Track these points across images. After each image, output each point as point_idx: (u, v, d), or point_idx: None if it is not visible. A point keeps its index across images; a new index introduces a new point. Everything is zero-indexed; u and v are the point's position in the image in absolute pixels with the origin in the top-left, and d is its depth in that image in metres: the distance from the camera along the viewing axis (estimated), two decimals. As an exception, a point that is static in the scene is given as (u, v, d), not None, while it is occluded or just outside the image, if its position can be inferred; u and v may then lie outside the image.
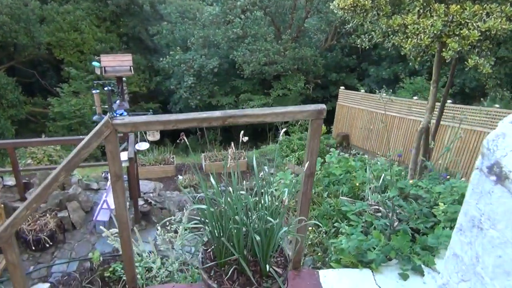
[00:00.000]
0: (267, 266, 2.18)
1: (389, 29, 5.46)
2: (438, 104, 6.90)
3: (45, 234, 5.77)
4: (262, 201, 2.27)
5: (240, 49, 18.42)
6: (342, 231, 3.40)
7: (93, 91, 6.83)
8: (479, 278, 1.28)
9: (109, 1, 21.85)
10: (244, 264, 2.13)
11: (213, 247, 2.36)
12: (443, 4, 4.91)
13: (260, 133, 16.69)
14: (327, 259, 3.50)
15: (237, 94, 20.04)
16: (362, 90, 14.70)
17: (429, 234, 3.17)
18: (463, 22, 4.71)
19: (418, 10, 5.12)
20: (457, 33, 4.75)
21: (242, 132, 2.29)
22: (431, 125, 6.50)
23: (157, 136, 8.26)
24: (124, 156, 6.17)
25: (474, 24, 4.60)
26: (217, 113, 2.22)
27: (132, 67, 6.64)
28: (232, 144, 2.63)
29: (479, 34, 4.53)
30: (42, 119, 19.78)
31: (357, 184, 4.55)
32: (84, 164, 7.46)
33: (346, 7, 5.59)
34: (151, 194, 7.64)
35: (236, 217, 2.17)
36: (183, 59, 19.27)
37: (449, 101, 10.08)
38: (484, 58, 4.78)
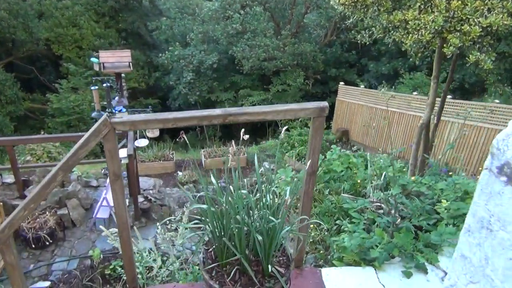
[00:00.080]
0: (269, 266, 2.15)
1: (389, 25, 5.42)
2: (438, 99, 6.87)
3: (44, 232, 5.76)
4: (264, 200, 2.24)
5: (239, 45, 18.36)
6: (344, 229, 3.37)
7: (92, 88, 6.80)
8: (489, 280, 1.25)
9: (108, -4, 21.75)
10: (246, 264, 2.10)
11: (214, 246, 2.33)
12: (444, 0, 4.87)
13: (259, 129, 16.64)
14: (329, 257, 3.48)
15: (236, 89, 20.01)
16: (362, 86, 14.68)
17: (432, 231, 3.14)
18: (464, 17, 4.67)
19: (419, 6, 5.08)
20: (458, 29, 4.71)
21: (243, 130, 2.25)
22: (432, 121, 6.46)
23: (156, 133, 8.24)
24: (123, 153, 6.14)
25: (476, 19, 4.56)
26: (217, 111, 2.18)
27: (131, 63, 6.60)
28: (233, 142, 2.59)
29: (480, 30, 4.50)
30: (41, 115, 19.71)
31: (359, 181, 4.52)
32: (83, 161, 7.41)
33: (346, 3, 5.56)
34: (150, 191, 7.62)
35: (238, 216, 2.13)
36: (182, 55, 19.22)
37: (448, 96, 10.04)
38: (485, 53, 4.74)
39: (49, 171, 2.18)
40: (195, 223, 2.37)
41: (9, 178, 6.82)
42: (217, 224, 2.22)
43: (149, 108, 8.02)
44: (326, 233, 3.93)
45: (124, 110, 6.84)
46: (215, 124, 2.26)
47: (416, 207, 3.34)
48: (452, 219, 3.21)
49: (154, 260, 4.11)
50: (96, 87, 6.82)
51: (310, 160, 2.38)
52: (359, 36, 6.21)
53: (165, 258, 4.31)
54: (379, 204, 3.67)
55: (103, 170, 9.08)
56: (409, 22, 4.99)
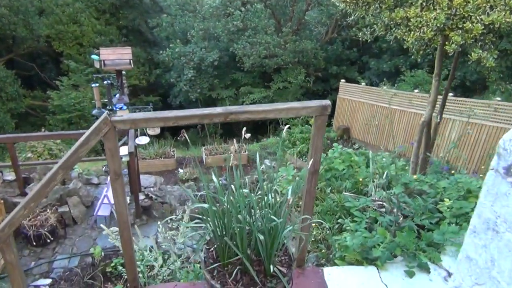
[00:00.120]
0: (271, 266, 2.13)
1: (391, 22, 5.40)
2: (439, 97, 6.85)
3: (46, 229, 5.75)
4: (265, 199, 2.22)
5: (240, 42, 18.32)
6: (346, 228, 3.35)
7: (92, 85, 6.77)
8: (495, 283, 1.23)
9: (108, -7, 21.69)
10: (248, 264, 2.09)
11: (215, 246, 2.31)
12: (446, -3, 4.85)
13: (260, 126, 16.61)
14: (331, 256, 3.46)
15: (237, 87, 19.97)
16: (363, 83, 14.64)
17: (435, 230, 3.12)
18: (466, 15, 4.65)
19: (421, 3, 5.05)
20: (460, 26, 4.68)
21: (244, 129, 2.23)
22: (433, 119, 6.44)
23: (157, 130, 8.21)
24: (124, 150, 6.13)
25: (478, 17, 4.54)
26: (218, 110, 2.16)
27: (131, 61, 6.57)
28: (234, 141, 2.57)
29: (483, 27, 4.47)
30: (42, 112, 19.68)
31: (360, 179, 4.51)
32: (84, 158, 7.41)
33: (348, 0, 5.53)
34: (151, 189, 7.60)
35: (239, 216, 2.12)
36: (183, 52, 19.18)
37: (450, 94, 10.00)
38: (487, 51, 4.72)
39: (50, 169, 2.17)
40: (196, 223, 2.35)
41: (10, 176, 6.82)
42: (219, 223, 2.21)
43: (149, 105, 7.98)
44: (328, 231, 3.92)
45: (124, 107, 6.80)
46: (216, 122, 2.24)
47: (419, 206, 3.32)
48: (455, 218, 3.19)
49: (155, 259, 4.10)
50: (97, 85, 6.79)
51: (312, 159, 2.36)
52: (360, 34, 6.19)
53: (166, 257, 4.30)
54: (381, 202, 3.65)
55: (104, 167, 9.06)
56: (411, 20, 4.96)
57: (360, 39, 6.24)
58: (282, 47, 18.34)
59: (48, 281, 5.14)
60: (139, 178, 7.28)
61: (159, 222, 4.37)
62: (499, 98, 10.12)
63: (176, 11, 21.39)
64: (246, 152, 11.84)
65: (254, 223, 2.17)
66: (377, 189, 4.08)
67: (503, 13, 4.37)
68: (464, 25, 4.60)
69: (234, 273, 2.17)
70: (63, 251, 5.80)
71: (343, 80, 14.96)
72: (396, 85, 15.52)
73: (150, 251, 4.32)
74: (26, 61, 20.79)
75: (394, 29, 5.49)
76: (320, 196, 4.56)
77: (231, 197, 2.15)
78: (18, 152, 8.77)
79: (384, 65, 18.49)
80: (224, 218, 2.18)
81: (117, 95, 6.81)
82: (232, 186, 2.21)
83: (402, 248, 2.91)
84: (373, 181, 4.27)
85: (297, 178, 4.26)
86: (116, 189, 2.22)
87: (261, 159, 10.01)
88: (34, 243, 5.70)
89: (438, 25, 4.70)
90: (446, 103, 7.26)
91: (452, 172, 4.78)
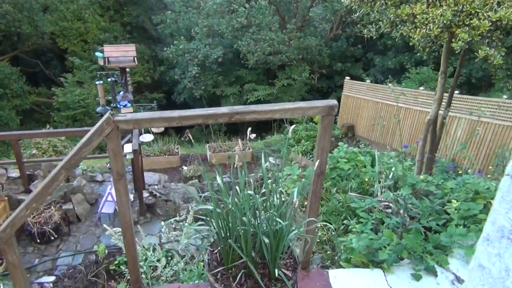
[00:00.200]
0: (276, 270, 2.09)
1: (397, 19, 5.34)
2: (445, 94, 6.78)
3: (49, 226, 5.75)
4: (270, 200, 2.18)
5: (244, 39, 18.27)
6: (351, 229, 3.31)
7: (97, 82, 6.73)
8: (509, 293, 1.19)
9: (113, -10, 21.70)
10: (252, 267, 2.05)
11: (219, 248, 2.28)
12: (452, -7, 4.78)
13: (265, 124, 16.58)
14: (336, 257, 3.42)
15: (241, 84, 19.94)
16: (368, 80, 14.55)
17: (442, 232, 3.07)
18: (473, 12, 4.58)
19: (427, 0, 4.98)
20: (467, 23, 4.62)
21: (249, 129, 2.19)
22: (439, 117, 6.38)
23: (161, 128, 8.18)
24: (128, 148, 6.10)
25: (485, 14, 4.48)
26: (223, 109, 2.12)
27: (135, 58, 6.53)
28: (239, 140, 2.53)
29: (490, 24, 4.41)
30: (46, 109, 19.75)
31: (366, 179, 4.45)
32: (89, 155, 7.41)
33: (354, -4, 5.48)
34: (156, 186, 7.59)
35: (244, 218, 2.08)
36: (187, 49, 19.16)
37: (456, 91, 9.91)
38: (494, 48, 4.65)
39: (54, 166, 2.14)
40: (200, 225, 2.32)
41: (14, 173, 6.81)
42: (223, 225, 2.17)
43: (154, 102, 7.94)
44: (333, 233, 3.87)
45: (129, 105, 6.77)
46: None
47: (426, 207, 3.27)
48: (463, 220, 3.14)
49: (159, 260, 4.07)
50: (101, 82, 6.75)
51: (318, 160, 2.32)
52: (365, 30, 6.13)
53: (169, 256, 4.28)
54: (387, 203, 3.60)
55: (108, 164, 9.04)
56: (417, 16, 4.90)
57: (365, 35, 6.18)
58: (287, 43, 18.27)
59: (52, 278, 5.13)
60: (143, 176, 7.26)
61: (162, 222, 4.35)
62: (505, 96, 10.03)
63: (180, 8, 21.34)
64: (250, 150, 11.81)
65: (259, 225, 2.13)
66: (383, 190, 4.03)
67: (511, 10, 4.30)
68: (471, 22, 4.54)
69: (239, 277, 2.13)
70: (67, 248, 5.80)
71: (347, 77, 14.87)
72: (400, 82, 15.42)
73: (154, 250, 4.30)
74: (30, 58, 20.82)
75: (399, 26, 5.43)
76: (325, 196, 4.52)
77: (235, 199, 2.11)
78: (23, 148, 8.78)
79: (389, 62, 18.39)
80: (228, 220, 2.15)
81: (121, 93, 6.77)
82: (237, 187, 2.17)
83: (408, 250, 2.86)
84: (379, 182, 4.22)
85: (302, 179, 4.22)
86: (119, 190, 2.19)
87: (266, 157, 9.98)
88: (38, 240, 5.70)
89: (445, 22, 4.64)
90: (452, 101, 7.18)
91: (459, 172, 4.72)
